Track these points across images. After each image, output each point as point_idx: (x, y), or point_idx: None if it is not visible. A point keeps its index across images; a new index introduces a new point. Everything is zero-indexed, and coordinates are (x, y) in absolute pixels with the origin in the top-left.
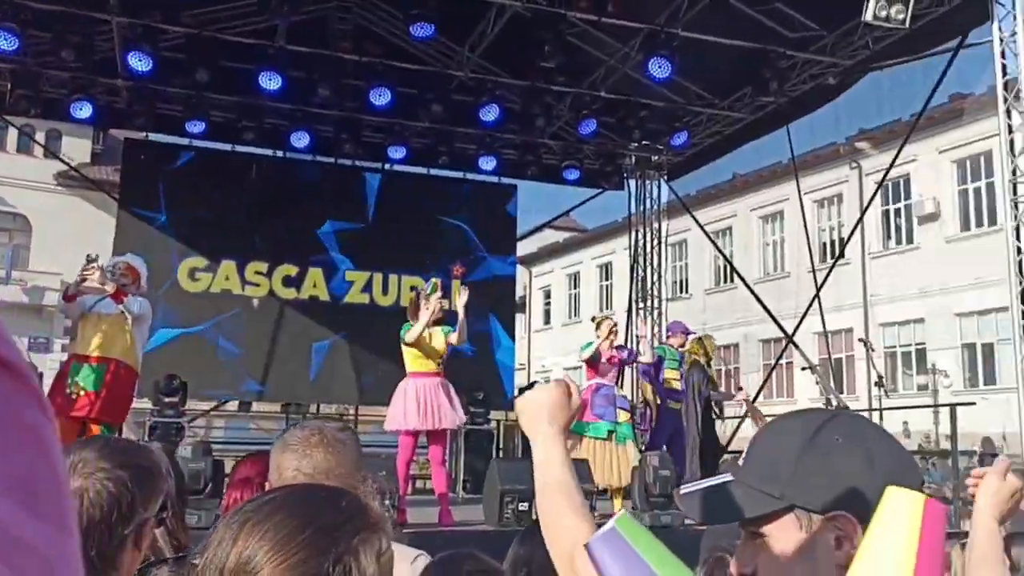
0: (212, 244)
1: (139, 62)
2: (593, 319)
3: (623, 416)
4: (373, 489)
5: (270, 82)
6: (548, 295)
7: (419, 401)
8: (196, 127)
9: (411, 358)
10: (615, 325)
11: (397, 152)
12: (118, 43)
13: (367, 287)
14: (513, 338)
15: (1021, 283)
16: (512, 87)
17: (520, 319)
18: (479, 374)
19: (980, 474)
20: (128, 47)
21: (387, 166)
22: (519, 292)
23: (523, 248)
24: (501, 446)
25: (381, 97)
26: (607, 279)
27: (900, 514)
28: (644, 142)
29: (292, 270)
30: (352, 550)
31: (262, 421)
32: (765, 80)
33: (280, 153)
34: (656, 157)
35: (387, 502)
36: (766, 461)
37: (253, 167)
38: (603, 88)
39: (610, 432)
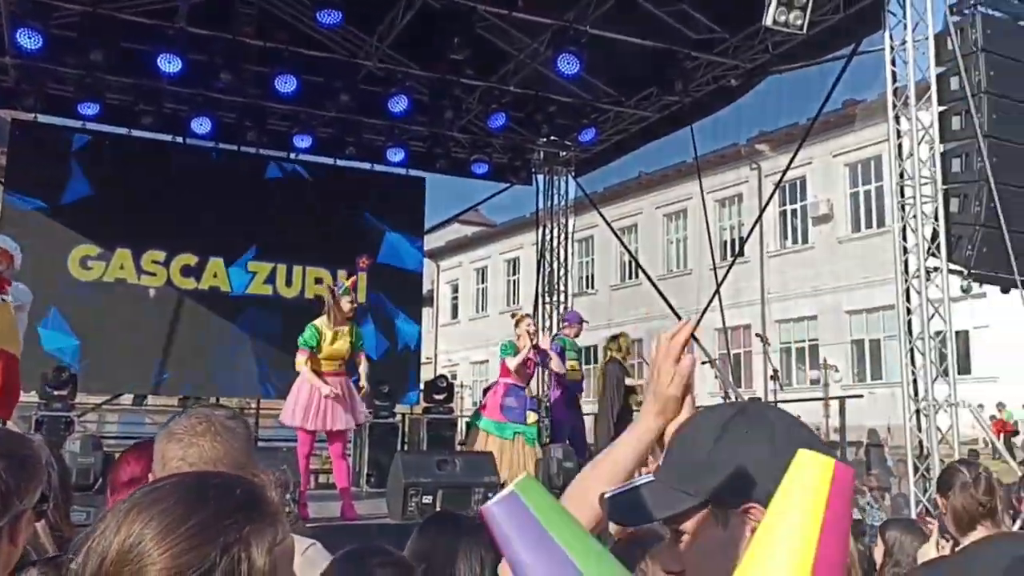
0: (106, 231)
1: (28, 39)
2: (513, 316)
3: (532, 418)
4: (273, 480)
5: (169, 65)
6: (455, 289)
7: (311, 401)
8: (90, 109)
9: (324, 359)
10: (533, 326)
11: (303, 141)
12: (5, 19)
13: (270, 278)
14: (419, 332)
15: (907, 282)
16: (421, 78)
17: (427, 313)
18: (385, 367)
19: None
20: (16, 23)
21: (292, 155)
22: (426, 286)
23: (430, 242)
24: (406, 440)
25: (286, 85)
26: (515, 274)
27: (808, 477)
28: (552, 137)
29: (191, 259)
30: (242, 540)
31: (158, 415)
32: (670, 80)
33: (180, 139)
34: (564, 153)
35: (288, 496)
36: (681, 460)
37: (151, 152)
38: (512, 82)
39: (516, 435)
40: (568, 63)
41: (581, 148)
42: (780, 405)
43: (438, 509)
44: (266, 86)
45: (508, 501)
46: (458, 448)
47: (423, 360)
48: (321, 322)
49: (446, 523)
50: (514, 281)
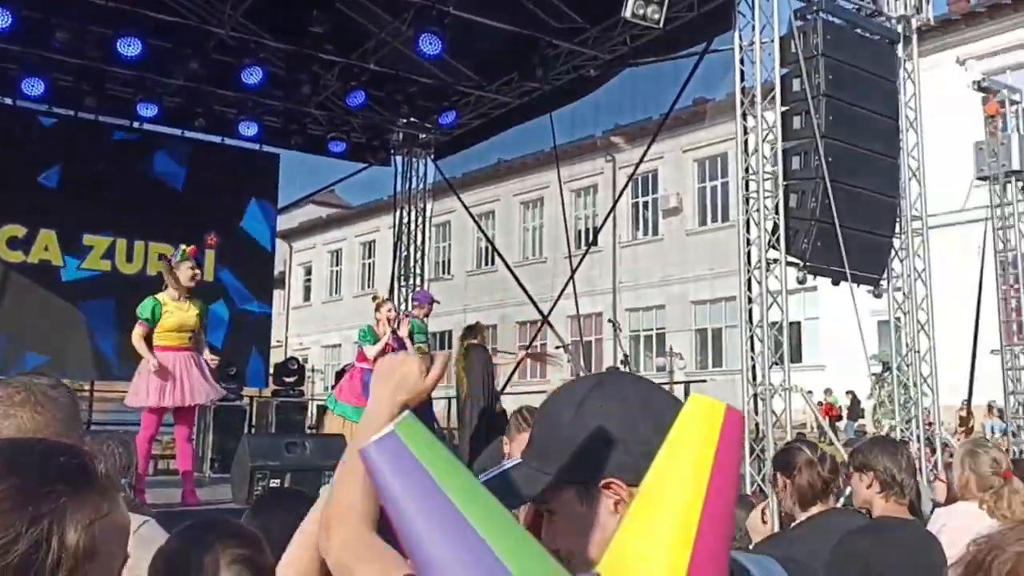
0: None
1: None
2: (374, 299)
3: None
4: (107, 453)
5: None
6: (309, 271)
7: (167, 376)
8: None
9: (159, 331)
10: (394, 311)
11: (147, 110)
12: None
13: (109, 253)
14: (269, 313)
15: (749, 272)
16: (277, 51)
17: (278, 295)
18: (232, 349)
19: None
20: None
21: (136, 124)
22: (278, 267)
23: (283, 223)
24: (254, 424)
25: (130, 48)
26: (370, 257)
27: (700, 419)
28: (412, 119)
29: (19, 231)
30: (55, 512)
31: None
32: (532, 67)
33: (9, 100)
34: (424, 135)
35: (124, 480)
36: (541, 440)
37: None
38: (373, 60)
39: None
40: (430, 44)
41: (441, 131)
42: None
43: (278, 486)
44: (108, 48)
45: (388, 440)
46: (308, 432)
47: (273, 343)
48: (163, 294)
49: (283, 499)
50: (369, 264)
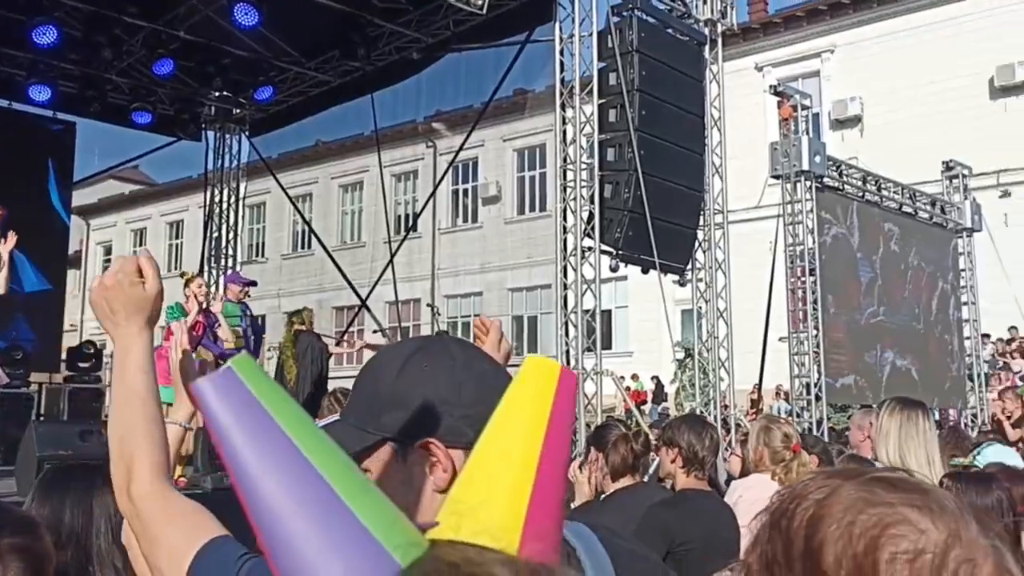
0: None
1: None
2: (183, 275)
3: None
4: None
5: None
6: (109, 251)
7: None
8: None
9: None
10: (204, 287)
11: None
12: None
13: None
14: (62, 294)
15: (565, 260)
16: (74, 10)
17: (74, 275)
18: (17, 332)
19: (483, 322)
20: None
21: None
22: (73, 246)
23: (80, 198)
24: (43, 412)
25: None
26: (178, 237)
27: (536, 378)
28: (226, 92)
29: None
30: None
31: None
32: (354, 45)
33: None
34: (238, 110)
35: None
36: (363, 398)
37: None
38: (183, 28)
39: None
40: (245, 14)
41: (257, 107)
42: None
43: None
44: None
45: (224, 376)
46: (106, 420)
47: (67, 327)
48: None
49: (71, 476)
50: (177, 245)
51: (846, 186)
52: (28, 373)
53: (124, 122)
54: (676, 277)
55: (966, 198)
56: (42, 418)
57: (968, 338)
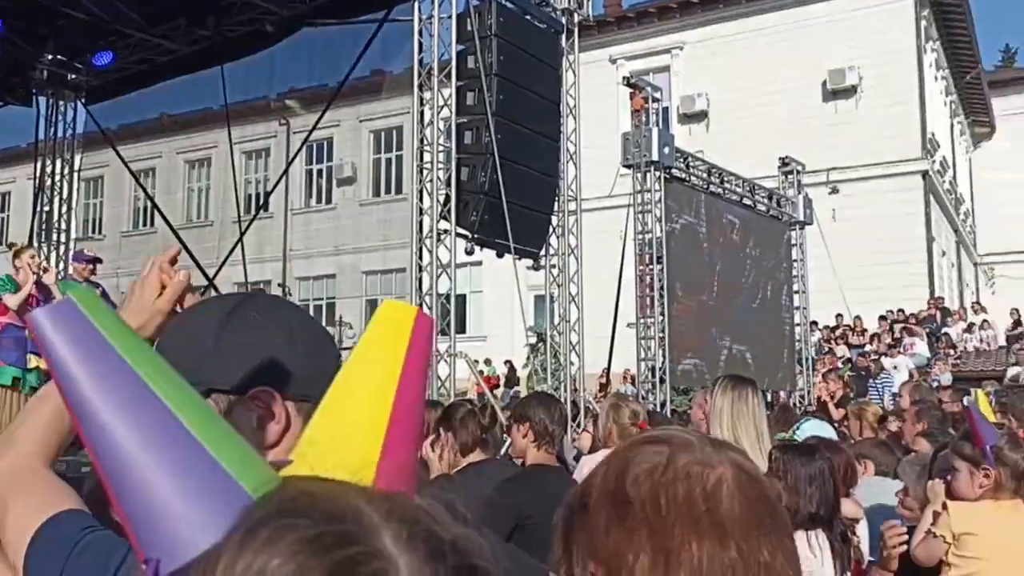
0: None
1: None
2: (11, 247)
3: (34, 362)
4: None
5: None
6: None
7: None
8: None
9: None
10: (38, 258)
11: None
12: None
13: None
14: None
15: (420, 242)
16: None
17: None
18: None
19: None
20: None
21: None
22: None
23: None
24: None
25: None
26: (4, 210)
27: (392, 320)
28: (60, 56)
29: None
30: None
31: None
32: (202, 13)
33: None
34: (74, 76)
35: None
36: (182, 345)
37: None
38: None
39: (15, 379)
40: None
41: (94, 73)
42: None
43: None
44: None
45: (62, 307)
46: None
47: None
48: None
49: None
50: (3, 219)
51: (692, 177)
52: None
53: None
54: (530, 262)
55: (799, 192)
56: None
57: (798, 324)
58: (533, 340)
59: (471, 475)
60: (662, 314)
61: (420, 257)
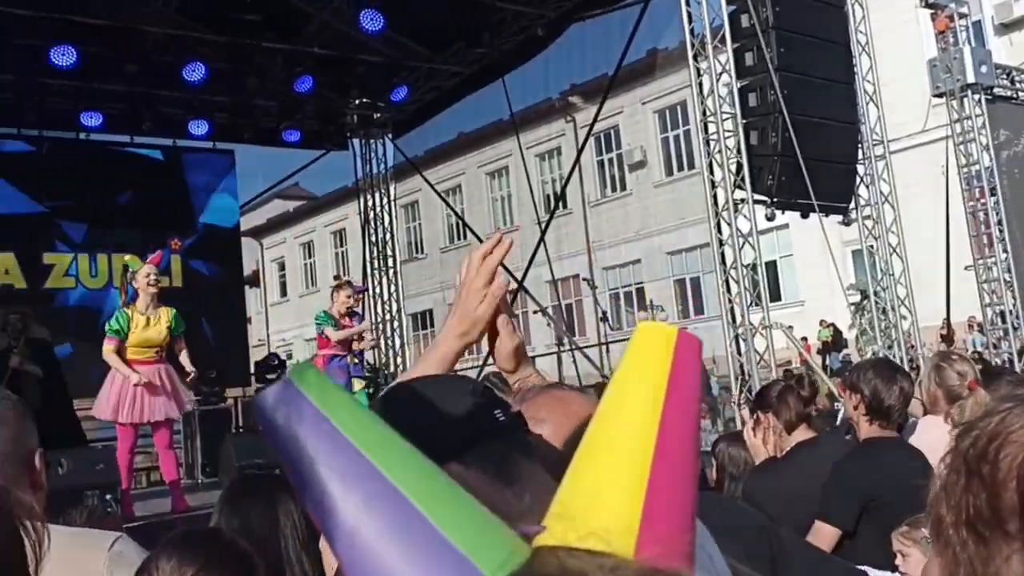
0: None
1: None
2: (336, 278)
3: (358, 385)
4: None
5: None
6: (282, 267)
7: (124, 393)
8: None
9: (135, 347)
10: (355, 291)
11: (92, 119)
12: None
13: (71, 270)
14: (245, 312)
15: (717, 215)
16: (217, 44)
17: (254, 294)
18: (212, 351)
19: None
20: None
21: (82, 136)
22: (250, 266)
23: (250, 220)
24: (240, 424)
25: (64, 57)
26: (342, 245)
27: (648, 346)
28: (364, 99)
29: None
30: None
31: None
32: (478, 32)
33: None
34: (379, 115)
35: (108, 496)
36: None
37: None
38: (316, 44)
39: None
40: (371, 20)
41: (396, 108)
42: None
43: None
44: (42, 61)
45: (282, 388)
46: None
47: (255, 343)
48: (132, 307)
49: (256, 488)
50: (342, 253)
51: (1021, 94)
52: (223, 390)
53: (276, 143)
54: (840, 217)
55: None
56: (240, 430)
57: None
58: (856, 298)
59: (801, 456)
60: (1004, 251)
61: (719, 231)
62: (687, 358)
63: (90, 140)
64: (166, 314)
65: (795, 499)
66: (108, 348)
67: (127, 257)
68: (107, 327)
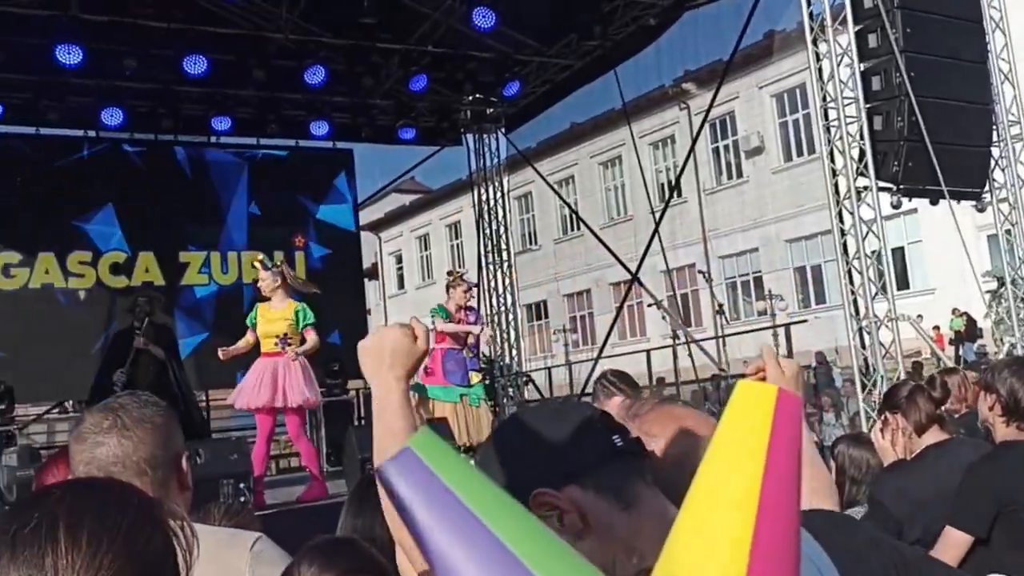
0: (24, 236)
1: None
2: (449, 273)
3: (475, 378)
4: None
5: (69, 56)
6: (399, 260)
7: (264, 379)
8: None
9: (262, 338)
10: (469, 287)
11: (221, 123)
12: None
13: (205, 267)
14: (364, 305)
15: (838, 204)
16: (336, 47)
17: (373, 287)
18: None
19: (759, 367)
20: None
21: (213, 139)
22: (369, 259)
23: (369, 215)
24: (362, 415)
25: (196, 66)
26: (457, 238)
27: (748, 406)
28: (477, 95)
29: (120, 257)
30: None
31: None
32: (588, 24)
33: (92, 133)
34: (491, 109)
35: (241, 485)
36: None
37: (60, 150)
38: (430, 43)
39: (463, 396)
40: (483, 17)
41: (508, 103)
42: (729, 339)
43: (369, 472)
44: (176, 69)
45: (402, 459)
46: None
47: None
48: (264, 303)
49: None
50: (457, 245)
51: None
52: (345, 382)
53: (392, 140)
54: (973, 202)
55: None
56: (362, 421)
57: None
58: (992, 286)
59: (931, 459)
60: None
61: (841, 220)
62: (787, 418)
63: (220, 143)
64: (291, 307)
65: (924, 503)
66: (245, 338)
67: (258, 256)
68: (250, 318)
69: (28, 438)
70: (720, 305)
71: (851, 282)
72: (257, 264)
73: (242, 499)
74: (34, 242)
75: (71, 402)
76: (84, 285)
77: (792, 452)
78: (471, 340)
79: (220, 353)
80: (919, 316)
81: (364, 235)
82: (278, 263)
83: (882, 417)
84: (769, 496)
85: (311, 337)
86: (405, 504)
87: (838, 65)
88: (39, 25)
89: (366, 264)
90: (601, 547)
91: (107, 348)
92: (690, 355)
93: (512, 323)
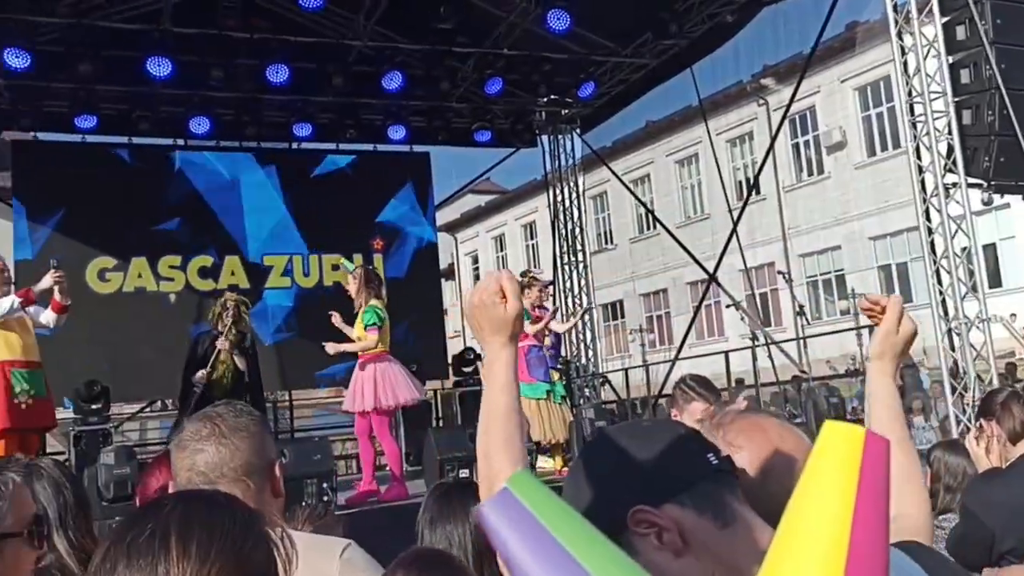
0: (119, 242)
1: (16, 59)
2: (523, 274)
3: (555, 375)
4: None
5: (159, 68)
6: (476, 260)
7: (375, 381)
8: (87, 122)
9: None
10: (544, 286)
11: (303, 130)
12: None
13: (287, 270)
14: (441, 306)
15: (925, 201)
16: (413, 52)
17: (450, 287)
18: (412, 345)
19: (875, 300)
20: (3, 45)
21: (294, 145)
22: (446, 260)
23: (445, 216)
24: (440, 415)
25: (278, 74)
26: (532, 238)
27: (837, 447)
28: (552, 96)
29: (207, 260)
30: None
31: None
32: (664, 23)
33: (180, 141)
34: (566, 111)
35: (324, 485)
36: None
37: (152, 158)
38: (505, 45)
39: (548, 392)
40: (558, 19)
41: (583, 104)
42: (810, 340)
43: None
44: (259, 78)
45: (501, 499)
46: None
47: (450, 334)
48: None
49: (451, 498)
50: (532, 245)
51: None
52: (423, 382)
53: (468, 143)
54: None
55: None
56: (440, 422)
57: None
58: None
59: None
60: None
61: (928, 218)
62: (875, 459)
63: (301, 149)
64: (363, 310)
65: (1018, 513)
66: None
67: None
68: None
69: (123, 435)
70: (801, 305)
71: (939, 282)
72: (343, 265)
73: (325, 499)
74: (127, 247)
75: (161, 400)
76: (174, 288)
77: (881, 495)
78: (549, 340)
79: (329, 349)
80: (1012, 315)
81: (441, 236)
82: (357, 266)
83: (977, 424)
84: (859, 540)
85: (367, 336)
86: (503, 543)
87: (924, 59)
88: (130, 39)
89: (443, 265)
90: (700, 566)
91: (191, 348)
92: (770, 356)
93: (588, 323)
